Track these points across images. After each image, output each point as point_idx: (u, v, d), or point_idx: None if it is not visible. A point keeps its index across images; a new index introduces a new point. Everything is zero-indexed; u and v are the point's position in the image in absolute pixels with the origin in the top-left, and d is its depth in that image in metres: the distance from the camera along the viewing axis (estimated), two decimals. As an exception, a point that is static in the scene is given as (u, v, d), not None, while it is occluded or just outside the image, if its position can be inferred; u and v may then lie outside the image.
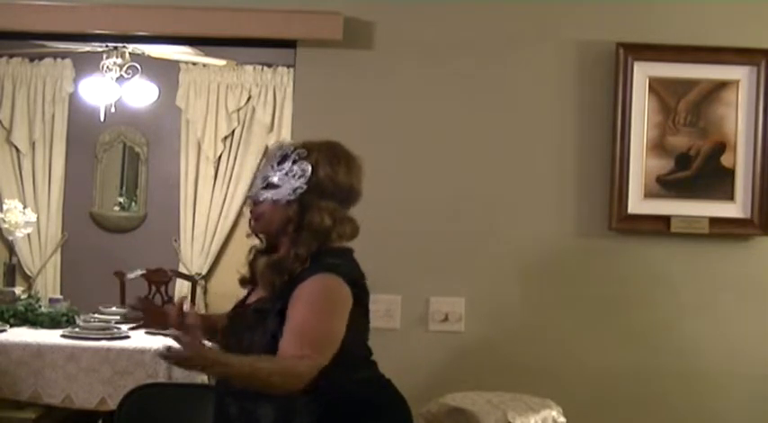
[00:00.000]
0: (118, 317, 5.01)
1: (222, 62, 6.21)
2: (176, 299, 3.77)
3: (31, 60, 6.60)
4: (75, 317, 4.92)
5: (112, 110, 6.00)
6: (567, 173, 3.23)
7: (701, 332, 3.22)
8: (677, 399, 3.21)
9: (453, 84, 3.23)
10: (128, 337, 4.70)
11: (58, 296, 5.51)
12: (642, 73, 3.19)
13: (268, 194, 2.19)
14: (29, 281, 6.56)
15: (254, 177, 2.65)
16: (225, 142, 6.65)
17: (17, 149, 6.62)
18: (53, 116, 6.66)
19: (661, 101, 3.20)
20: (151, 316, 2.30)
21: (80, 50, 6.00)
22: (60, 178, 6.70)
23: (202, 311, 6.25)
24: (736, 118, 3.20)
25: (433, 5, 3.24)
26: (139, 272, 5.94)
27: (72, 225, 6.77)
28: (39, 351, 4.48)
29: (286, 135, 5.76)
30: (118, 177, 6.96)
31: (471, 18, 3.23)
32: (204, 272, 6.67)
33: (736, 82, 3.21)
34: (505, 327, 3.22)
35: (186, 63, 6.51)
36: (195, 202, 6.68)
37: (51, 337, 4.63)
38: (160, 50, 5.76)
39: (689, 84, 3.20)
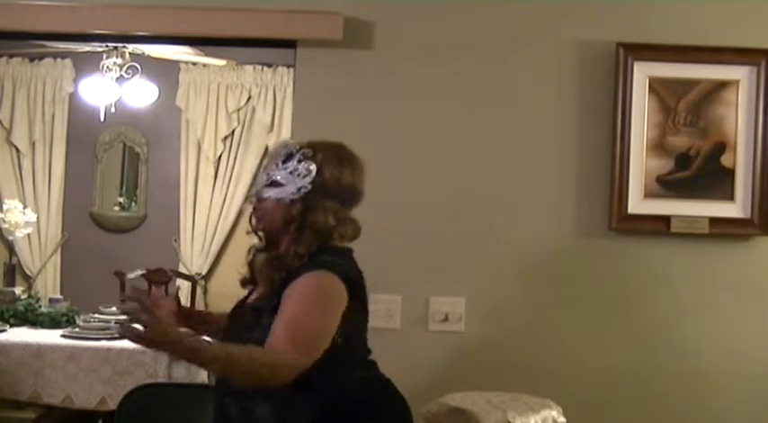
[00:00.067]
0: (118, 317, 5.01)
1: (222, 62, 6.21)
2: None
3: (31, 60, 6.60)
4: (75, 317, 4.93)
5: (112, 110, 6.00)
6: (567, 173, 3.23)
7: (701, 332, 3.22)
8: (677, 399, 3.21)
9: (453, 84, 3.23)
10: (128, 337, 4.70)
11: (58, 296, 5.52)
12: (642, 73, 3.19)
13: (272, 192, 2.19)
14: (29, 281, 6.56)
15: (257, 175, 2.65)
16: (225, 142, 6.65)
17: (17, 149, 6.62)
18: (53, 116, 6.66)
19: (661, 101, 3.20)
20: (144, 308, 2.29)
21: (80, 50, 6.00)
22: (60, 178, 6.70)
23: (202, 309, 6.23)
24: (736, 118, 3.20)
25: (433, 5, 3.24)
26: (139, 272, 5.94)
27: (72, 225, 6.77)
28: (39, 351, 4.49)
29: (286, 135, 5.76)
30: (118, 177, 6.96)
31: (471, 18, 3.23)
32: (204, 272, 6.68)
33: (736, 82, 3.21)
34: (505, 327, 3.22)
35: (186, 63, 6.51)
36: (195, 202, 6.68)
37: (51, 337, 4.64)
38: (160, 50, 5.76)
39: (689, 84, 3.20)
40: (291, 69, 3.90)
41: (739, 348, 3.22)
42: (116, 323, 4.84)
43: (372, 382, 2.24)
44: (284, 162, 2.20)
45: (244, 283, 2.31)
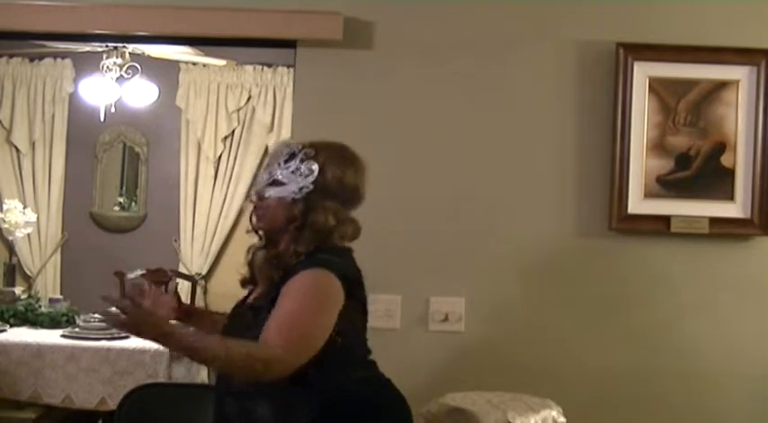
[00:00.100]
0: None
1: (222, 62, 6.21)
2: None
3: (31, 60, 6.59)
4: (75, 317, 4.93)
5: (112, 110, 5.99)
6: (567, 173, 3.23)
7: (701, 332, 3.22)
8: (677, 399, 3.21)
9: (453, 84, 3.23)
10: (128, 337, 4.70)
11: (58, 296, 5.52)
12: (642, 73, 3.19)
13: (273, 191, 2.20)
14: (29, 281, 6.56)
15: (257, 175, 2.66)
16: (225, 142, 6.64)
17: (17, 149, 6.61)
18: (53, 116, 6.65)
19: (661, 101, 3.20)
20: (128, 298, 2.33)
21: (80, 50, 6.00)
22: (60, 178, 6.69)
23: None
24: (736, 118, 3.20)
25: (433, 5, 3.24)
26: (139, 272, 5.93)
27: (72, 225, 6.76)
28: (39, 351, 4.49)
29: (286, 135, 5.76)
30: (118, 177, 6.95)
31: (471, 18, 3.23)
32: (204, 272, 6.67)
33: (736, 82, 3.21)
34: (505, 327, 3.22)
35: (186, 63, 6.51)
36: (195, 202, 6.68)
37: (51, 337, 4.64)
38: (160, 50, 5.76)
39: (689, 84, 3.20)
40: (291, 69, 3.90)
41: (739, 348, 3.22)
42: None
43: (372, 382, 2.24)
44: (286, 161, 2.20)
45: (244, 282, 2.31)
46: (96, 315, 4.96)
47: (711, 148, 3.21)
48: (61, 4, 3.20)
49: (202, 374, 4.51)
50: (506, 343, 3.21)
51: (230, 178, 6.64)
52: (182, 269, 6.61)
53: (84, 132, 6.63)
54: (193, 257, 6.68)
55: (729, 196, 3.20)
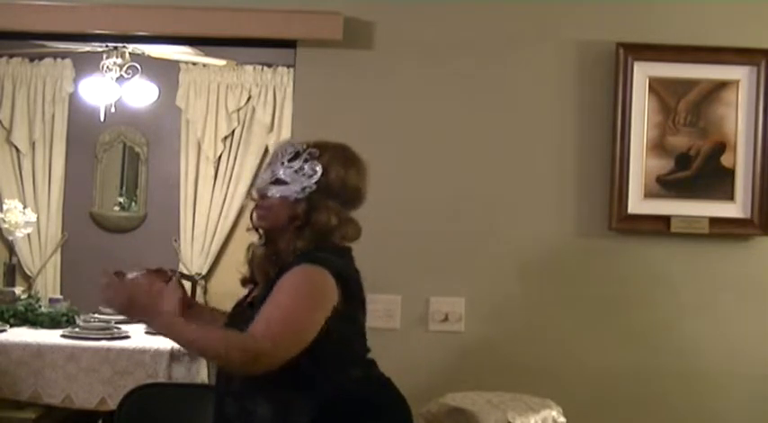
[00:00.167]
0: (118, 317, 5.01)
1: (222, 62, 6.21)
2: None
3: (31, 60, 6.59)
4: (75, 317, 4.93)
5: (112, 110, 5.99)
6: (567, 173, 3.23)
7: (701, 332, 3.22)
8: (677, 399, 3.21)
9: (453, 84, 3.23)
10: (128, 337, 4.71)
11: (58, 296, 5.52)
12: (642, 73, 3.19)
13: (276, 190, 2.20)
14: (29, 281, 6.56)
15: (257, 175, 2.66)
16: (225, 142, 6.64)
17: (17, 149, 6.61)
18: (53, 116, 6.65)
19: (661, 101, 3.20)
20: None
21: (80, 50, 6.00)
22: (60, 178, 6.69)
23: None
24: (736, 118, 3.20)
25: (433, 5, 3.24)
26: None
27: (72, 225, 6.76)
28: (39, 351, 4.49)
29: (286, 135, 5.76)
30: (118, 177, 6.95)
31: (471, 18, 3.23)
32: (204, 272, 6.68)
33: (736, 82, 3.21)
34: (505, 327, 3.22)
35: (186, 63, 6.51)
36: (195, 202, 6.68)
37: (51, 337, 4.64)
38: (160, 50, 5.76)
39: (689, 84, 3.20)
40: (291, 69, 3.90)
41: (739, 348, 3.22)
42: (116, 324, 4.85)
43: (372, 382, 2.24)
44: (290, 161, 2.21)
45: (244, 282, 2.32)
46: (96, 315, 4.98)
47: (711, 148, 3.21)
48: (61, 4, 3.20)
49: (202, 374, 4.51)
50: (506, 343, 3.21)
51: (230, 178, 6.64)
52: (181, 269, 6.61)
53: (84, 132, 6.63)
54: (193, 257, 6.68)
55: (729, 196, 3.20)
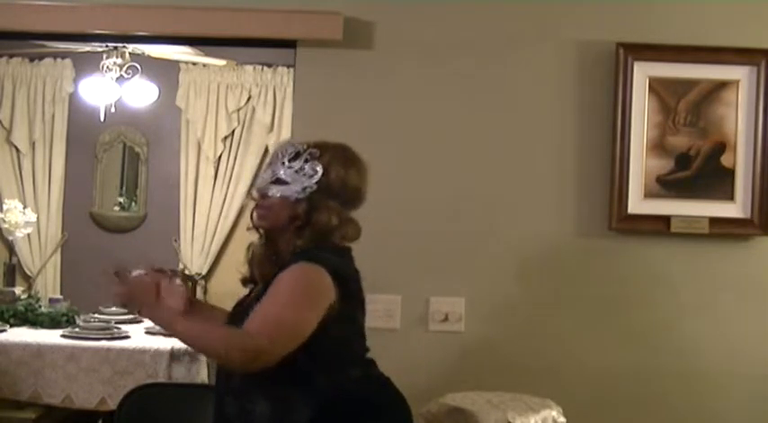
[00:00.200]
0: (118, 317, 5.01)
1: (222, 62, 6.21)
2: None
3: (31, 60, 6.59)
4: (75, 317, 4.93)
5: (112, 110, 5.99)
6: (567, 173, 3.23)
7: (701, 332, 3.22)
8: (677, 399, 3.21)
9: (453, 84, 3.23)
10: (128, 337, 4.71)
11: (58, 296, 5.52)
12: (642, 73, 3.19)
13: (276, 190, 2.20)
14: (29, 281, 6.55)
15: (257, 175, 2.67)
16: (225, 142, 6.64)
17: (17, 149, 6.61)
18: (53, 116, 6.65)
19: (661, 101, 3.20)
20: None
21: (80, 50, 5.99)
22: (60, 178, 6.69)
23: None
24: (736, 118, 3.20)
25: (433, 5, 3.24)
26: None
27: (72, 225, 6.76)
28: (39, 351, 4.49)
29: (286, 135, 5.76)
30: (118, 177, 6.95)
31: (471, 18, 3.23)
32: (204, 272, 6.68)
33: (736, 82, 3.21)
34: (505, 327, 3.22)
35: (186, 63, 6.51)
36: (195, 202, 6.67)
37: (51, 337, 4.64)
38: (160, 50, 5.76)
39: (689, 84, 3.20)
40: (291, 69, 3.90)
41: (739, 348, 3.22)
42: (116, 324, 4.85)
43: (372, 382, 2.24)
44: (291, 161, 2.21)
45: (245, 282, 2.32)
46: (96, 315, 4.98)
47: (711, 148, 3.21)
48: (61, 4, 3.20)
49: (202, 374, 4.51)
50: (506, 343, 3.21)
51: (230, 178, 6.64)
52: (181, 269, 6.61)
53: (84, 132, 6.63)
54: (193, 257, 6.68)
55: (729, 196, 3.20)
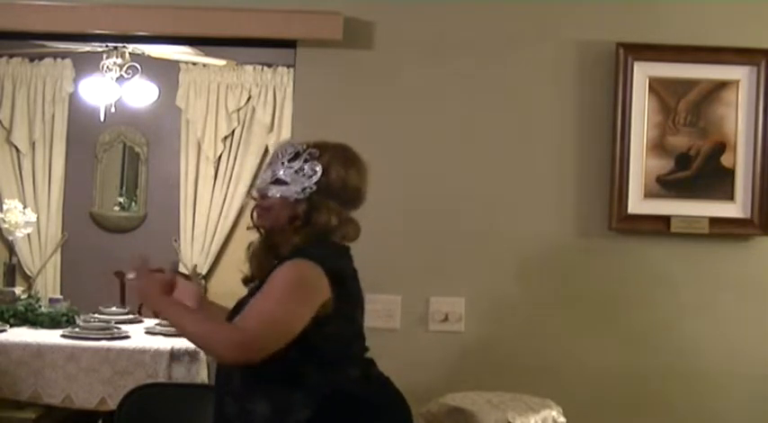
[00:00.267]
0: (118, 317, 5.01)
1: (222, 62, 6.21)
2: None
3: (31, 60, 6.59)
4: (75, 317, 4.92)
5: (112, 110, 5.99)
6: (567, 173, 3.23)
7: (701, 332, 3.22)
8: (677, 399, 3.21)
9: (453, 84, 3.23)
10: (128, 337, 4.71)
11: (58, 296, 5.51)
12: (642, 73, 3.19)
13: (276, 190, 2.20)
14: (29, 281, 6.56)
15: (257, 175, 2.67)
16: (225, 142, 6.64)
17: (17, 149, 6.61)
18: (53, 116, 6.65)
19: (661, 101, 3.20)
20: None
21: (80, 50, 5.99)
22: (60, 178, 6.69)
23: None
24: (736, 118, 3.20)
25: (433, 5, 3.24)
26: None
27: (72, 225, 6.76)
28: (39, 351, 4.48)
29: (286, 135, 5.76)
30: (118, 177, 6.95)
31: (471, 18, 3.23)
32: (204, 272, 6.67)
33: (736, 82, 3.21)
34: (505, 327, 3.22)
35: (186, 63, 6.51)
36: (195, 202, 6.68)
37: (51, 337, 4.63)
38: (160, 50, 5.76)
39: (689, 84, 3.20)
40: (291, 69, 3.90)
41: (739, 348, 3.22)
42: (116, 324, 4.85)
43: (371, 381, 2.24)
44: (290, 161, 2.21)
45: (246, 281, 2.32)
46: (96, 315, 4.97)
47: (711, 148, 3.21)
48: (61, 4, 3.20)
49: (202, 374, 4.50)
50: (506, 343, 3.21)
51: (230, 178, 6.64)
52: (182, 269, 6.61)
53: (84, 132, 6.63)
54: (193, 257, 6.68)
55: (729, 196, 3.20)
